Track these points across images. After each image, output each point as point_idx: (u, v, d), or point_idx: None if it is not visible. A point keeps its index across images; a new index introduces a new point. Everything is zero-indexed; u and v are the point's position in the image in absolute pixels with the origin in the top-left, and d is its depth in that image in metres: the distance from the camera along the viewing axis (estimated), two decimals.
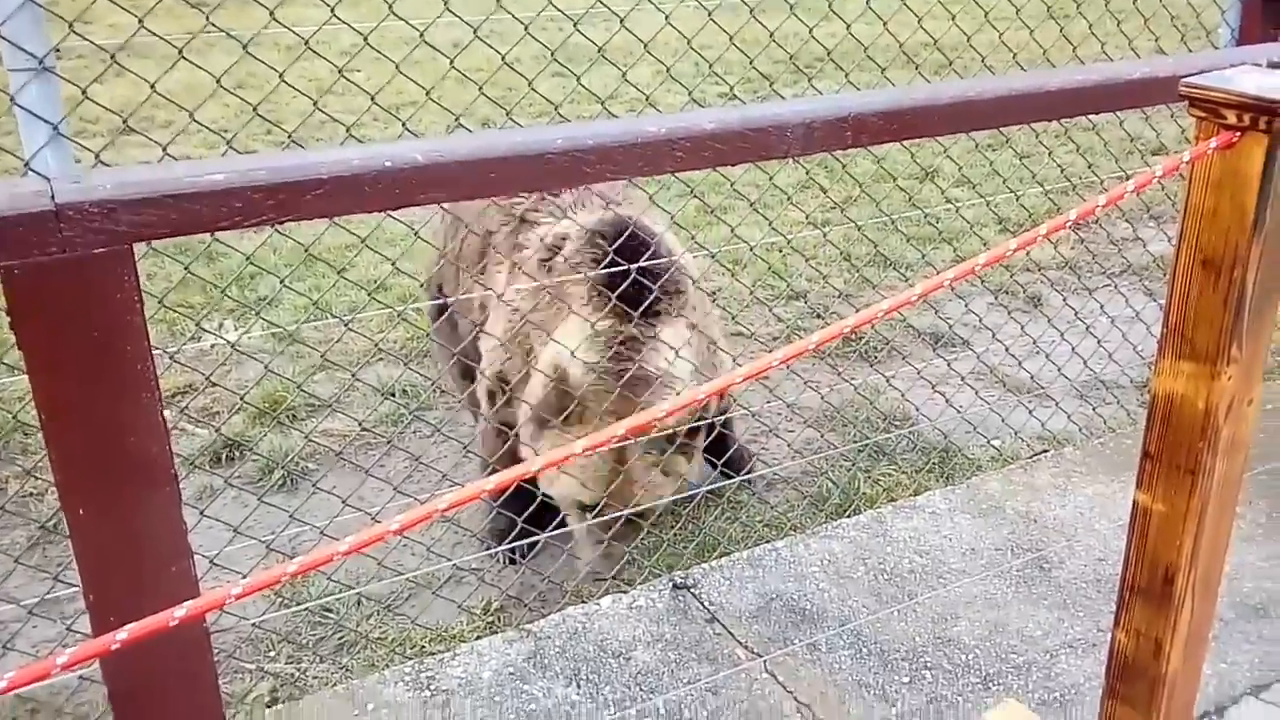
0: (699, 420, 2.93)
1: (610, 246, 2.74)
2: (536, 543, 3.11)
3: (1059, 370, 3.61)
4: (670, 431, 2.82)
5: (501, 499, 3.14)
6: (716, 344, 3.22)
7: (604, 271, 2.71)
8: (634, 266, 2.59)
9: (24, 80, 1.71)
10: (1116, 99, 2.02)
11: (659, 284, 2.77)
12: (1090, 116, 2.18)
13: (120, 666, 1.31)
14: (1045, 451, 3.62)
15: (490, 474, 1.85)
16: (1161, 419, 1.57)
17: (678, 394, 2.39)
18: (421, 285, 3.54)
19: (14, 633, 2.79)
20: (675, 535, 3.28)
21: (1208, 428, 1.51)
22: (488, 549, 3.19)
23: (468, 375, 3.32)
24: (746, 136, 1.50)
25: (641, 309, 2.75)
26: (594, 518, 2.90)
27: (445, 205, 3.19)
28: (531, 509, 2.89)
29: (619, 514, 2.80)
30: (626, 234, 2.79)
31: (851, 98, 1.64)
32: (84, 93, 1.72)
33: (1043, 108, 1.89)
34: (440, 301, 3.41)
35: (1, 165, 6.95)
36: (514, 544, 2.96)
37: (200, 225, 1.19)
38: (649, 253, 2.69)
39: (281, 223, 1.22)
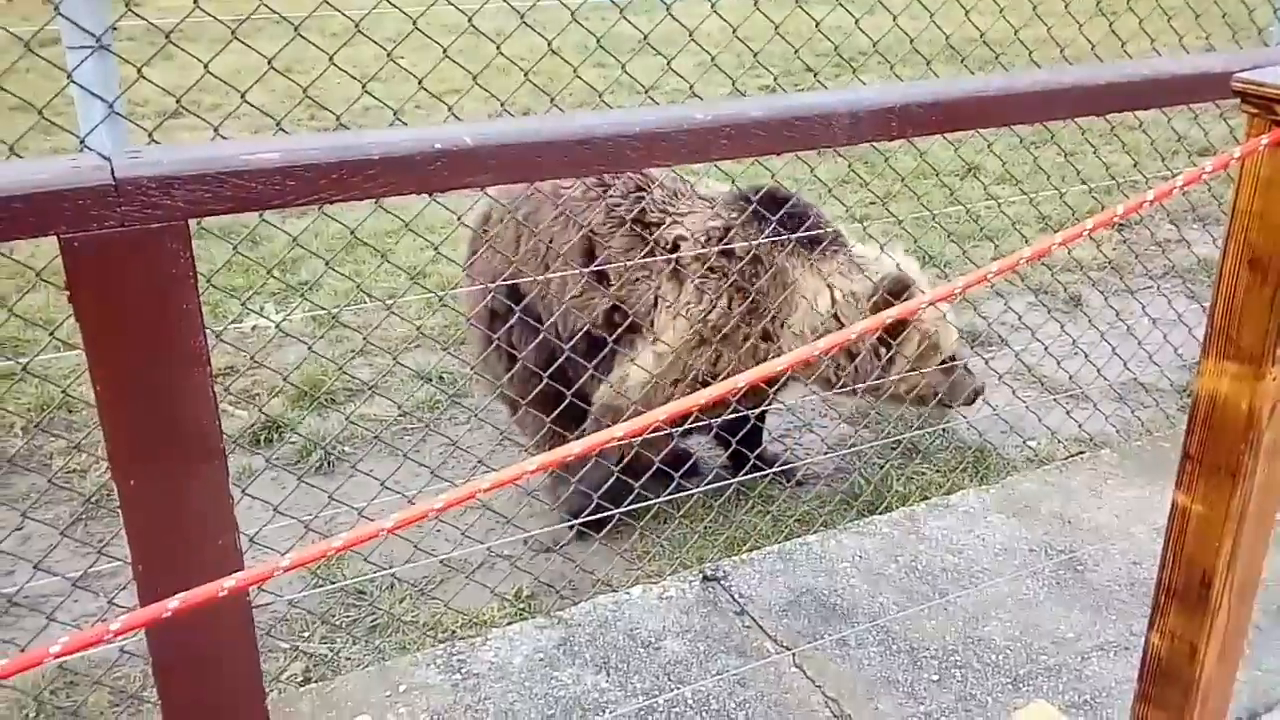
0: None
1: (777, 212, 2.97)
2: (612, 518, 3.15)
3: (1098, 371, 3.58)
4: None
5: (580, 475, 3.17)
6: None
7: (802, 235, 3.01)
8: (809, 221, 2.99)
9: (81, 58, 1.75)
10: (1166, 95, 1.99)
11: (829, 225, 3.11)
12: (1137, 114, 2.16)
13: (167, 638, 1.34)
14: (1081, 453, 3.59)
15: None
16: (1203, 420, 1.55)
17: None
18: (466, 274, 3.50)
19: (55, 606, 2.85)
20: (706, 528, 3.29)
21: (1250, 429, 1.50)
22: (565, 523, 3.23)
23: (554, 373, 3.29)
24: (793, 125, 1.50)
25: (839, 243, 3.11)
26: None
27: (511, 207, 3.17)
28: (610, 483, 3.02)
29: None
30: (778, 200, 3.02)
31: (898, 88, 1.64)
32: (139, 71, 1.75)
33: (1090, 102, 1.87)
34: (507, 292, 3.36)
35: (55, 143, 7.07)
36: (591, 519, 3.04)
37: (254, 203, 1.21)
38: (799, 205, 3.02)
39: (332, 202, 1.24)
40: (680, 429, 3.20)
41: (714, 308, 2.98)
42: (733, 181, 3.32)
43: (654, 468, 3.13)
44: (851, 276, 3.08)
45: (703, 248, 3.01)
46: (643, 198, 3.12)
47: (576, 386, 3.07)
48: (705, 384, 3.02)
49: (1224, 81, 1.43)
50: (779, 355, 2.98)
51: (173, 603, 0.96)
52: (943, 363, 3.17)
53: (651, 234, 3.06)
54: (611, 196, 3.11)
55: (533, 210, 3.23)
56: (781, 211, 2.97)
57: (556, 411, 2.87)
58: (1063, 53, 3.12)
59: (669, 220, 3.08)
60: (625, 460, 3.16)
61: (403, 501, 2.76)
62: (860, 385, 3.15)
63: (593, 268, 3.07)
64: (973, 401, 3.25)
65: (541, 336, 3.12)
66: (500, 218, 3.25)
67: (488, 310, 3.27)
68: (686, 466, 3.51)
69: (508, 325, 3.12)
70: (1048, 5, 3.03)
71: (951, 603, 2.76)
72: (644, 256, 3.05)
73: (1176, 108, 2.29)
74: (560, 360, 2.93)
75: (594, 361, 3.10)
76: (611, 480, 3.09)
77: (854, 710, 2.41)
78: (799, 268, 3.06)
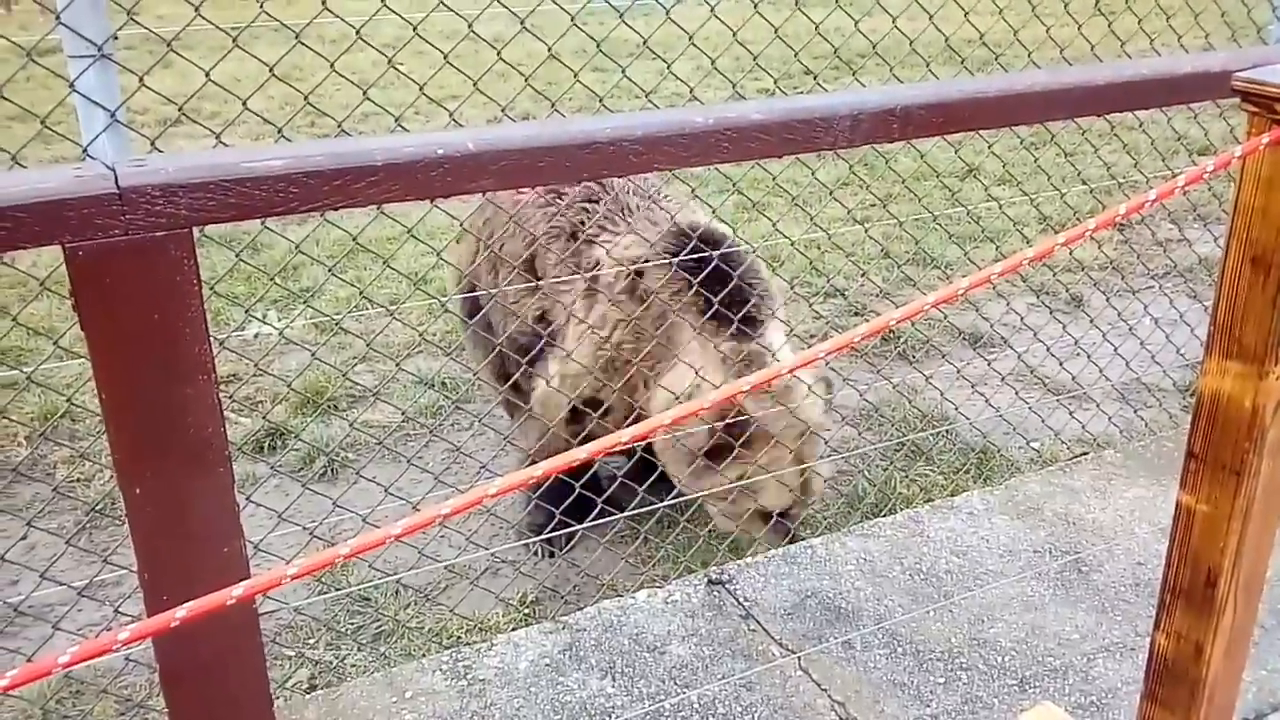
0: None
1: (696, 262, 2.73)
2: (575, 534, 3.14)
3: (1100, 372, 3.58)
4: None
5: (540, 491, 3.16)
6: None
7: (705, 293, 2.73)
8: (730, 283, 2.66)
9: (83, 67, 1.76)
10: (1166, 94, 2.00)
11: (755, 291, 2.79)
12: (1137, 114, 2.16)
13: (173, 646, 1.34)
14: (1085, 454, 3.59)
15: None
16: (1207, 418, 1.55)
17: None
18: (457, 282, 3.57)
19: (61, 615, 2.85)
20: (710, 531, 3.29)
21: (1254, 428, 1.50)
22: (524, 540, 3.22)
23: (504, 374, 3.35)
24: (793, 128, 1.51)
25: (749, 321, 2.78)
26: (778, 519, 2.97)
27: (487, 198, 3.22)
28: (570, 500, 2.90)
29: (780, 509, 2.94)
30: (710, 246, 2.75)
31: (899, 90, 1.64)
32: (141, 80, 1.76)
33: (1090, 102, 1.87)
34: (473, 296, 3.44)
35: (56, 152, 7.08)
36: (552, 535, 2.99)
37: (258, 210, 1.21)
38: (731, 260, 2.70)
39: (336, 209, 1.24)
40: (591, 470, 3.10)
41: (611, 335, 2.89)
42: (734, 186, 3.32)
43: (574, 494, 2.91)
44: (742, 372, 2.80)
45: (614, 278, 2.92)
46: (587, 210, 3.05)
47: (518, 383, 3.11)
48: (592, 403, 2.97)
49: (1223, 81, 1.43)
50: (645, 406, 2.93)
51: (180, 611, 0.96)
52: (763, 514, 3.00)
53: (581, 254, 3.00)
54: (558, 204, 3.09)
55: (490, 216, 3.28)
56: (715, 261, 2.71)
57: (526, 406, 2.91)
58: (1062, 53, 3.13)
59: (603, 237, 3.01)
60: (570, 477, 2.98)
61: (407, 508, 2.76)
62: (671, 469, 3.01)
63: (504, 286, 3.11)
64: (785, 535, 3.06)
65: (494, 338, 3.18)
66: (472, 215, 3.35)
67: (464, 309, 3.39)
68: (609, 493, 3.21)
69: (470, 328, 3.24)
70: (1047, 6, 3.03)
71: (956, 604, 2.76)
72: (568, 272, 2.99)
73: (1176, 107, 2.29)
74: (507, 361, 3.01)
75: (525, 362, 3.09)
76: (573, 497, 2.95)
77: (860, 714, 2.40)
78: (693, 332, 2.83)
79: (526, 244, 3.10)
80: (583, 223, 3.04)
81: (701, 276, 2.71)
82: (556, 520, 2.88)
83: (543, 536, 3.08)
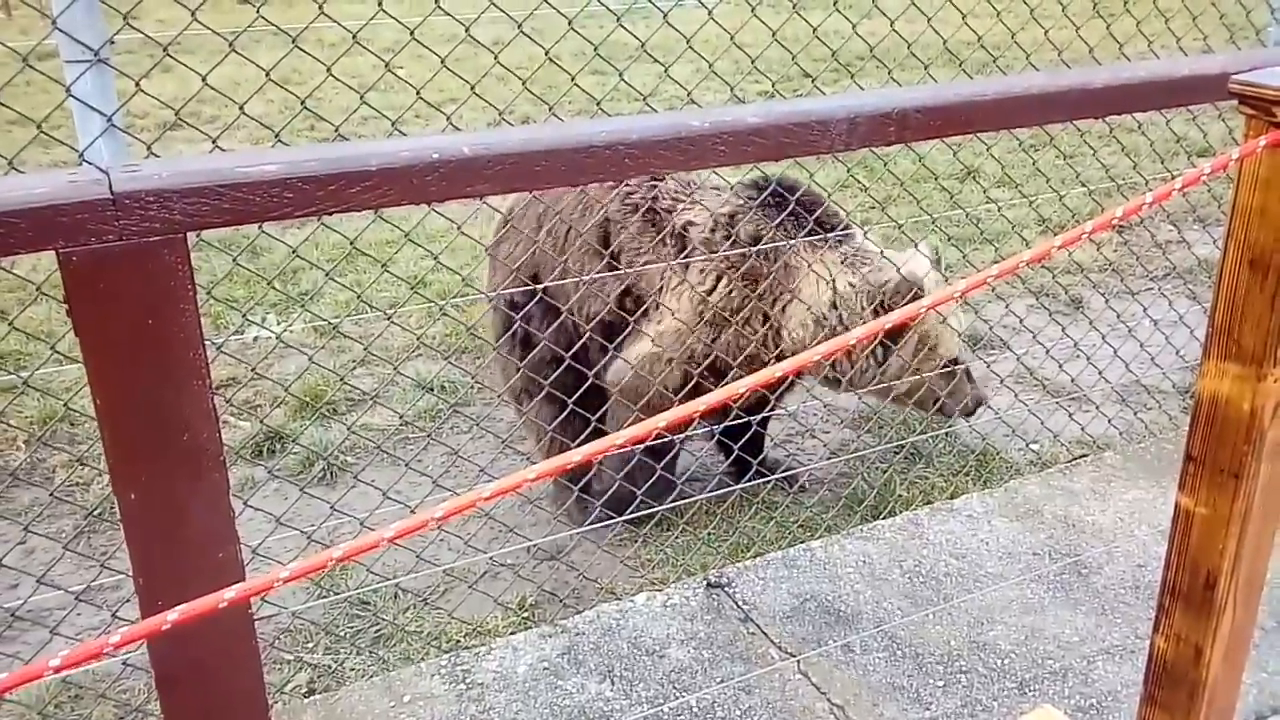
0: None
1: (778, 203, 3.05)
2: (656, 514, 3.24)
3: (1100, 374, 3.58)
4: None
5: (628, 467, 3.21)
6: None
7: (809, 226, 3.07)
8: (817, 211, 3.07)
9: (79, 72, 1.76)
10: (1164, 97, 1.99)
11: (837, 216, 3.18)
12: (1136, 116, 2.16)
13: (168, 650, 1.33)
14: (1085, 456, 3.59)
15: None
16: (1205, 421, 1.55)
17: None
18: (490, 256, 3.58)
19: (59, 619, 2.85)
20: (710, 534, 3.28)
21: (1253, 430, 1.49)
22: (606, 522, 3.25)
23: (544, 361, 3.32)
24: (790, 131, 1.50)
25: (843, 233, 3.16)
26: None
27: (536, 194, 3.28)
28: (654, 478, 3.06)
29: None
30: (786, 188, 3.09)
31: (896, 92, 1.63)
32: (138, 85, 1.75)
33: (1088, 105, 1.87)
34: (522, 290, 3.45)
35: (55, 156, 7.09)
36: (637, 514, 3.10)
37: (253, 215, 1.21)
38: (810, 196, 3.07)
39: (331, 213, 1.24)
40: (683, 435, 3.23)
41: (715, 288, 3.06)
42: (731, 189, 3.33)
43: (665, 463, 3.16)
44: (855, 269, 3.11)
45: (710, 233, 3.09)
46: (656, 186, 3.22)
47: (591, 370, 3.13)
48: (709, 368, 3.08)
49: (1222, 83, 1.43)
50: (776, 340, 3.07)
51: (172, 615, 0.95)
52: (943, 366, 3.19)
53: (663, 220, 3.16)
54: (627, 185, 3.22)
55: (554, 199, 3.34)
56: (792, 200, 3.02)
57: (570, 401, 2.90)
58: (1060, 55, 3.12)
59: (680, 207, 3.18)
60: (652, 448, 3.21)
61: (404, 511, 2.76)
62: (859, 389, 3.17)
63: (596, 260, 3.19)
64: (972, 411, 3.26)
65: (560, 322, 3.23)
66: (524, 206, 3.36)
67: (508, 299, 3.37)
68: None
69: (525, 312, 3.22)
70: (1045, 8, 3.03)
71: (956, 607, 2.75)
72: (655, 242, 3.13)
73: (1175, 109, 2.29)
74: (579, 344, 3.07)
75: (609, 344, 3.20)
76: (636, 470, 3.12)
77: (859, 717, 2.40)
78: (803, 255, 3.11)
79: (599, 223, 3.19)
80: (656, 198, 3.18)
81: (791, 206, 3.02)
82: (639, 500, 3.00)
83: (624, 517, 3.11)
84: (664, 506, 3.12)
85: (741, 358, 3.04)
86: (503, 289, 3.36)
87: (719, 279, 3.07)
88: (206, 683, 1.36)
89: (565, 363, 2.87)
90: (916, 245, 3.25)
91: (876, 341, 3.12)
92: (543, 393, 3.06)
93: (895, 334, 3.09)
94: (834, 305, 3.06)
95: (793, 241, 3.10)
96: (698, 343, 3.07)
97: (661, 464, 3.12)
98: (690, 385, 3.09)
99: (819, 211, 3.08)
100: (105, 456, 1.22)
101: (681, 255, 3.12)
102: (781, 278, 3.09)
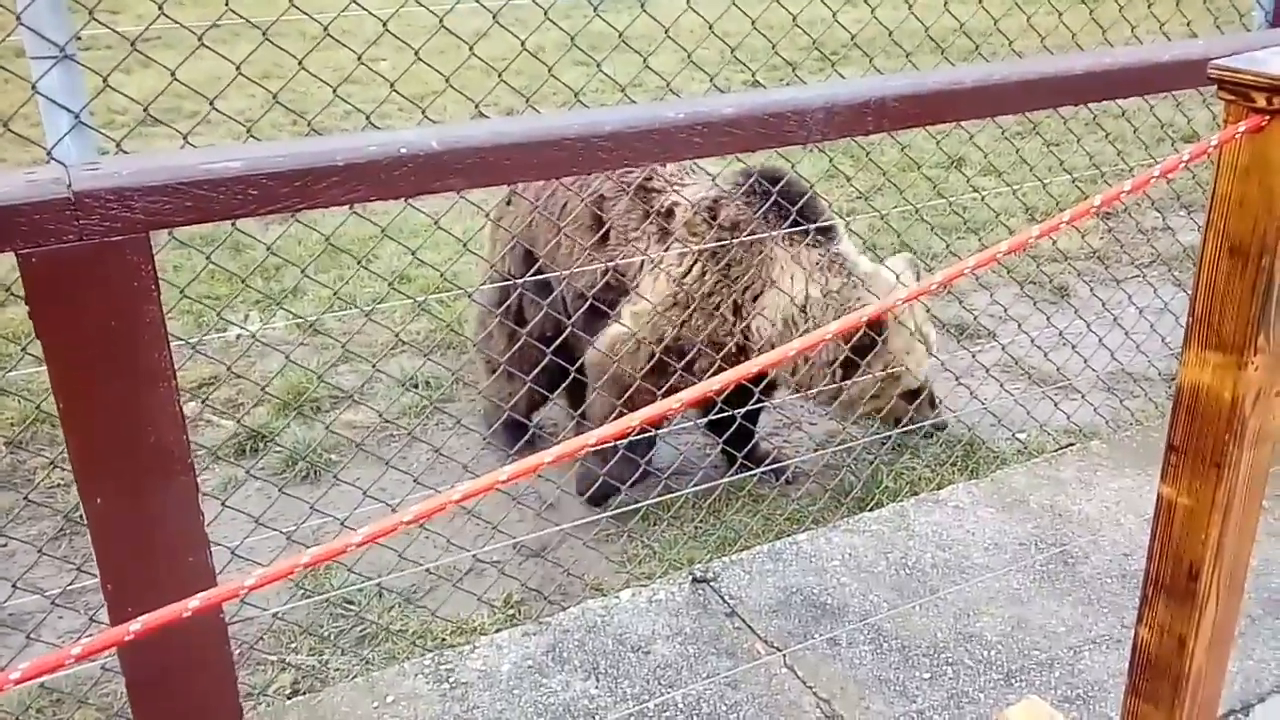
0: None
1: (763, 194, 3.05)
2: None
3: (1085, 362, 3.57)
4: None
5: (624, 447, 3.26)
6: None
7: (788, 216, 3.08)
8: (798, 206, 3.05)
9: (46, 68, 1.73)
10: (1146, 83, 1.98)
11: (821, 211, 3.18)
12: (1120, 102, 2.15)
13: (137, 657, 1.31)
14: (1071, 445, 3.58)
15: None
16: (1187, 410, 1.54)
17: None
18: (492, 236, 3.67)
19: (39, 623, 2.82)
20: (696, 528, 3.27)
21: (1234, 419, 1.48)
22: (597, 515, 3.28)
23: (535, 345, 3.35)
24: (766, 122, 1.48)
25: (824, 232, 3.17)
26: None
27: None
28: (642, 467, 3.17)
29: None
30: (772, 181, 3.06)
31: (873, 82, 1.61)
32: (105, 81, 1.73)
33: (1069, 92, 1.85)
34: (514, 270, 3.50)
35: (34, 154, 7.02)
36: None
37: (217, 213, 1.18)
38: (795, 187, 3.08)
39: (298, 210, 1.22)
40: (658, 432, 3.27)
41: (690, 271, 3.08)
42: (713, 180, 3.31)
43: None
44: (832, 277, 3.10)
45: (692, 216, 3.11)
46: (652, 167, 3.24)
47: (556, 348, 3.14)
48: (676, 351, 3.11)
49: (1204, 68, 1.41)
50: (745, 331, 3.12)
51: (135, 625, 0.93)
52: (909, 394, 3.29)
53: (652, 200, 3.19)
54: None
55: (540, 186, 3.37)
56: (777, 190, 3.01)
57: (550, 352, 2.93)
58: (1044, 42, 3.11)
59: (670, 188, 3.21)
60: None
61: (386, 510, 2.73)
62: (820, 404, 3.25)
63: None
64: (930, 435, 3.33)
65: (549, 299, 3.26)
66: (523, 186, 3.40)
67: (505, 269, 3.46)
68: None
69: (518, 290, 3.31)
70: None
71: (942, 599, 2.74)
72: (642, 221, 3.16)
73: (1159, 95, 2.27)
74: (565, 324, 3.10)
75: (592, 325, 3.23)
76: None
77: (846, 710, 2.39)
78: (779, 249, 3.12)
79: (594, 199, 3.22)
80: (650, 177, 3.21)
81: (773, 198, 3.00)
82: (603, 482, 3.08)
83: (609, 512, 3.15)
84: (650, 501, 3.11)
85: (707, 343, 3.07)
86: (499, 258, 3.44)
87: (695, 263, 3.09)
88: (177, 689, 1.34)
89: (557, 337, 2.93)
90: (898, 276, 3.27)
91: (840, 358, 3.17)
92: (520, 343, 3.10)
93: (861, 351, 3.17)
94: (804, 309, 3.10)
95: (773, 233, 3.09)
96: (668, 325, 3.09)
97: (638, 453, 3.15)
98: (654, 365, 3.10)
99: (801, 203, 3.07)
100: (70, 461, 1.20)
101: (663, 236, 3.14)
102: (757, 268, 3.10)
